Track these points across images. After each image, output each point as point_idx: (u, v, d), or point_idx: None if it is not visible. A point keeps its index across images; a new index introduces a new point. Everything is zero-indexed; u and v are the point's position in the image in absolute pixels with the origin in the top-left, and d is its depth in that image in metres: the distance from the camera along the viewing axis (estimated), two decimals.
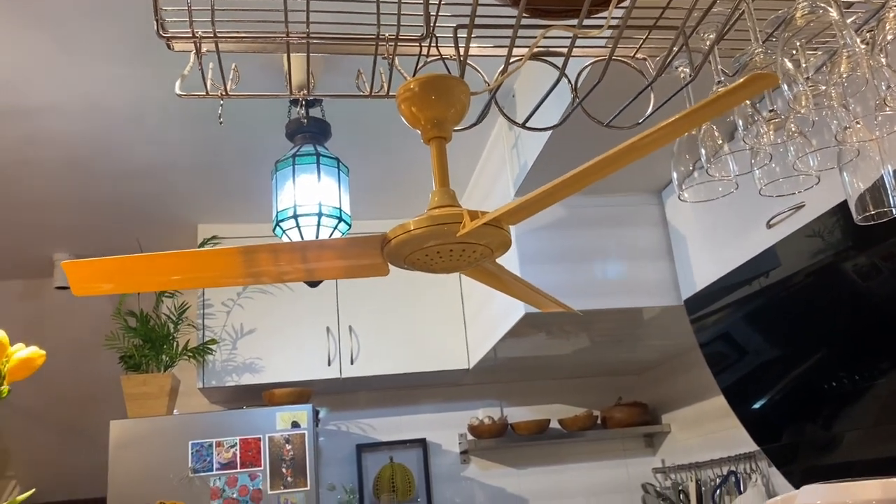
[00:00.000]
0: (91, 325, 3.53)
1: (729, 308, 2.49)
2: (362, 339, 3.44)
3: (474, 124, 1.15)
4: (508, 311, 2.80)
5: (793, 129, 1.14)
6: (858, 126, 1.17)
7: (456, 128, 1.06)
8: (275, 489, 2.80)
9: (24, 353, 0.79)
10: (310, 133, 2.18)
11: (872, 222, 1.22)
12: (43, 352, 0.80)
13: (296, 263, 0.88)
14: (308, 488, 2.83)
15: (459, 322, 3.53)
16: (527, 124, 1.18)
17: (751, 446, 2.96)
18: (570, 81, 1.20)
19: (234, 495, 2.77)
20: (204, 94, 0.96)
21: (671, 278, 2.74)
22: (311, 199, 2.06)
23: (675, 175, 1.19)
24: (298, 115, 2.12)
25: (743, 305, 2.42)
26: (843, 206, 1.86)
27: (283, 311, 3.41)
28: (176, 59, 1.88)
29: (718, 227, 2.42)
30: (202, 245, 3.28)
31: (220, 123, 1.12)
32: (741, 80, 0.60)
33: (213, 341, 3.22)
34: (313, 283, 2.11)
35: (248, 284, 0.86)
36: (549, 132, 2.20)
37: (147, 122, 2.58)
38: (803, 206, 1.99)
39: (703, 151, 1.12)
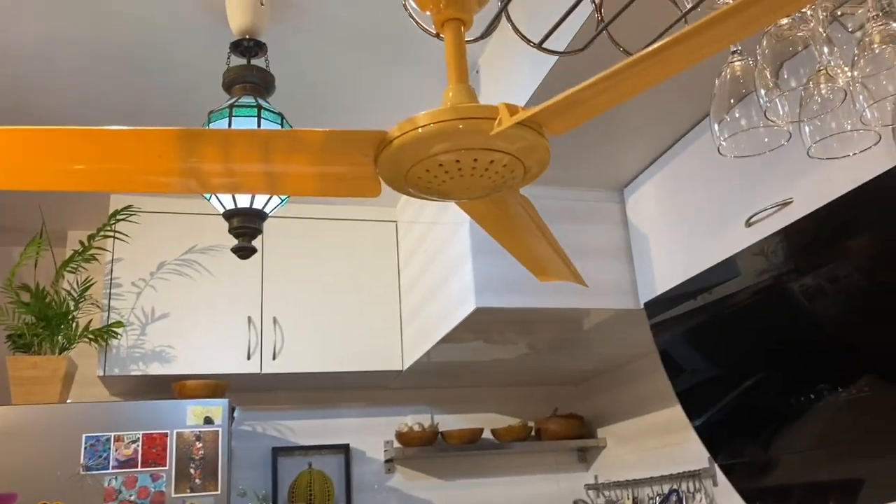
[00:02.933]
0: None
1: (683, 318, 2.34)
2: (287, 333, 3.14)
3: (482, 36, 0.92)
4: (456, 305, 2.58)
5: (854, 77, 0.96)
6: None
7: (471, 37, 0.84)
8: (180, 492, 2.48)
9: None
10: (251, 84, 1.91)
11: None
12: None
13: (251, 162, 0.62)
14: (219, 492, 2.51)
15: (395, 320, 3.28)
16: (542, 46, 0.97)
17: (695, 464, 2.82)
18: (594, 2, 1.00)
19: (132, 497, 2.43)
20: None
21: (629, 280, 2.57)
22: None
23: (714, 124, 0.99)
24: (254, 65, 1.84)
25: (692, 317, 2.29)
26: (834, 204, 1.72)
27: (202, 295, 3.09)
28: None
29: (687, 228, 2.27)
30: (113, 216, 2.92)
31: None
32: None
33: (119, 324, 2.86)
34: (245, 253, 1.83)
35: (179, 190, 0.61)
36: (552, 61, 1.88)
37: (60, 65, 2.24)
38: (791, 202, 1.84)
39: (762, 92, 0.91)
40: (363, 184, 0.67)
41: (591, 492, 3.59)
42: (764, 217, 1.93)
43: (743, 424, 2.28)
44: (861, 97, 0.92)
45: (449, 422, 3.59)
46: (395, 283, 3.32)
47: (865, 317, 1.73)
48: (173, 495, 2.47)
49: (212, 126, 1.86)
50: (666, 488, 3.00)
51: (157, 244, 3.09)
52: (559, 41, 1.67)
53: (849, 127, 0.98)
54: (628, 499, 3.24)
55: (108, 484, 2.43)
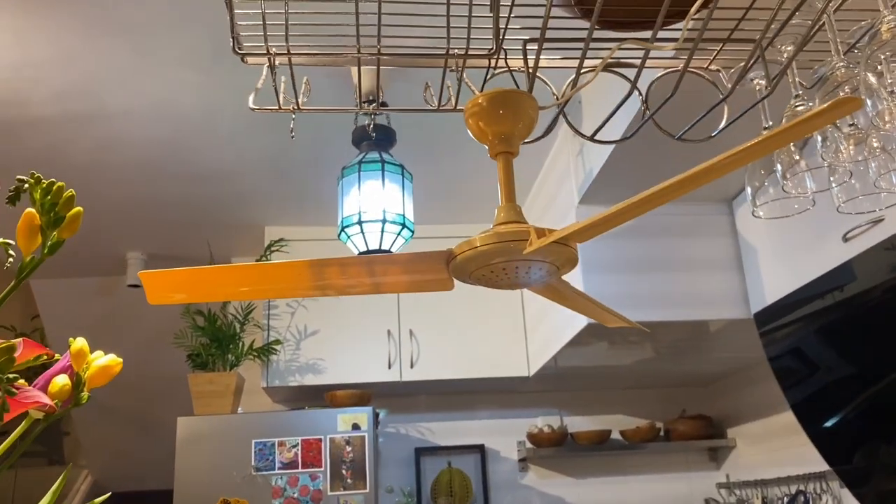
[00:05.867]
0: (159, 323, 3.63)
1: (801, 322, 2.41)
2: (422, 344, 3.45)
3: (540, 137, 1.14)
4: (570, 320, 2.77)
5: (875, 146, 1.10)
6: None
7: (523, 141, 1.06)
8: (335, 490, 2.84)
9: (103, 360, 0.81)
10: (375, 140, 2.20)
11: None
12: (120, 360, 0.82)
13: (362, 277, 0.88)
14: (367, 490, 2.85)
15: (520, 329, 3.52)
16: (595, 138, 1.17)
17: (821, 465, 2.86)
18: (640, 94, 1.18)
19: (295, 495, 2.82)
20: (277, 108, 0.98)
21: (740, 290, 2.66)
22: (375, 205, 2.08)
23: (748, 190, 1.16)
24: (370, 121, 2.14)
25: (816, 320, 2.34)
26: None
27: (346, 313, 3.45)
28: (248, 69, 1.91)
29: (792, 240, 2.35)
30: (269, 247, 3.35)
31: (293, 138, 1.14)
32: (823, 105, 0.58)
33: (278, 342, 3.28)
34: None
35: (314, 296, 0.87)
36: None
37: (218, 128, 2.65)
38: (882, 220, 1.91)
39: (778, 167, 1.08)
40: (440, 283, 0.91)
41: (722, 491, 3.67)
42: (859, 233, 2.00)
43: (876, 426, 2.31)
44: (874, 166, 1.06)
45: (577, 423, 3.78)
46: (518, 297, 3.55)
47: None
48: (329, 493, 2.83)
49: (344, 179, 2.17)
50: (794, 489, 3.05)
51: None
52: (618, 123, 1.94)
53: (875, 186, 1.12)
54: (757, 498, 3.31)
55: (275, 483, 2.83)
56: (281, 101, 0.98)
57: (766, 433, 3.35)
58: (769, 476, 3.26)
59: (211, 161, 2.88)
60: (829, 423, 2.51)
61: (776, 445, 3.27)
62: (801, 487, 2.99)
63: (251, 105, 0.97)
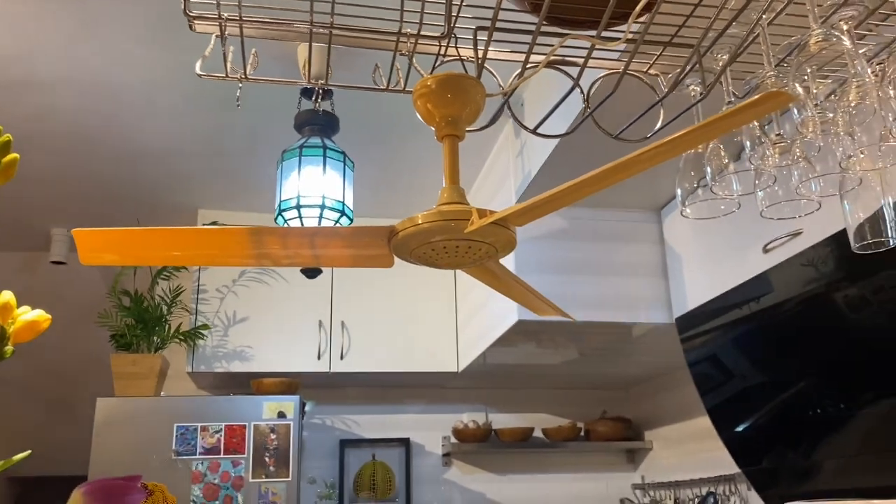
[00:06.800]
0: (83, 302, 3.53)
1: (719, 330, 2.52)
2: (353, 335, 3.44)
3: (485, 126, 1.16)
4: (501, 317, 2.82)
5: (798, 154, 1.16)
6: (863, 156, 1.19)
7: (469, 128, 1.08)
8: (256, 478, 2.81)
9: (30, 315, 0.80)
10: (318, 126, 2.19)
11: (870, 251, 1.23)
12: (48, 315, 0.80)
13: (303, 249, 0.89)
14: (290, 479, 2.83)
15: (451, 325, 3.55)
16: (537, 131, 1.20)
17: (731, 468, 2.98)
18: (582, 91, 1.22)
19: (216, 481, 2.77)
20: (224, 76, 0.97)
21: (664, 296, 2.75)
22: (315, 190, 2.07)
23: (678, 191, 1.21)
24: (315, 105, 2.13)
25: (733, 328, 2.45)
26: (839, 235, 1.89)
27: (277, 301, 3.42)
28: (192, 44, 1.90)
29: (715, 249, 2.44)
30: None
31: (238, 107, 1.13)
32: (756, 96, 0.61)
33: (206, 326, 3.22)
34: (312, 274, 2.12)
35: (252, 266, 0.87)
36: (556, 142, 2.22)
37: (157, 104, 2.59)
38: (801, 232, 2.01)
39: (708, 169, 1.13)
40: (381, 259, 0.93)
41: (637, 491, 3.78)
42: (779, 245, 2.10)
43: (784, 431, 2.42)
44: (796, 174, 1.12)
45: (502, 420, 3.84)
46: (451, 292, 3.58)
47: None
48: (251, 480, 2.80)
49: (284, 162, 2.16)
50: (704, 490, 3.17)
51: None
52: (559, 123, 2.00)
53: (796, 194, 1.19)
54: (670, 499, 3.42)
55: (196, 468, 2.78)
56: (228, 70, 0.98)
57: (682, 437, 3.47)
58: (682, 478, 3.38)
59: (146, 138, 2.81)
60: (740, 428, 2.62)
61: (690, 449, 3.39)
62: (712, 489, 3.11)
63: (198, 71, 0.96)
